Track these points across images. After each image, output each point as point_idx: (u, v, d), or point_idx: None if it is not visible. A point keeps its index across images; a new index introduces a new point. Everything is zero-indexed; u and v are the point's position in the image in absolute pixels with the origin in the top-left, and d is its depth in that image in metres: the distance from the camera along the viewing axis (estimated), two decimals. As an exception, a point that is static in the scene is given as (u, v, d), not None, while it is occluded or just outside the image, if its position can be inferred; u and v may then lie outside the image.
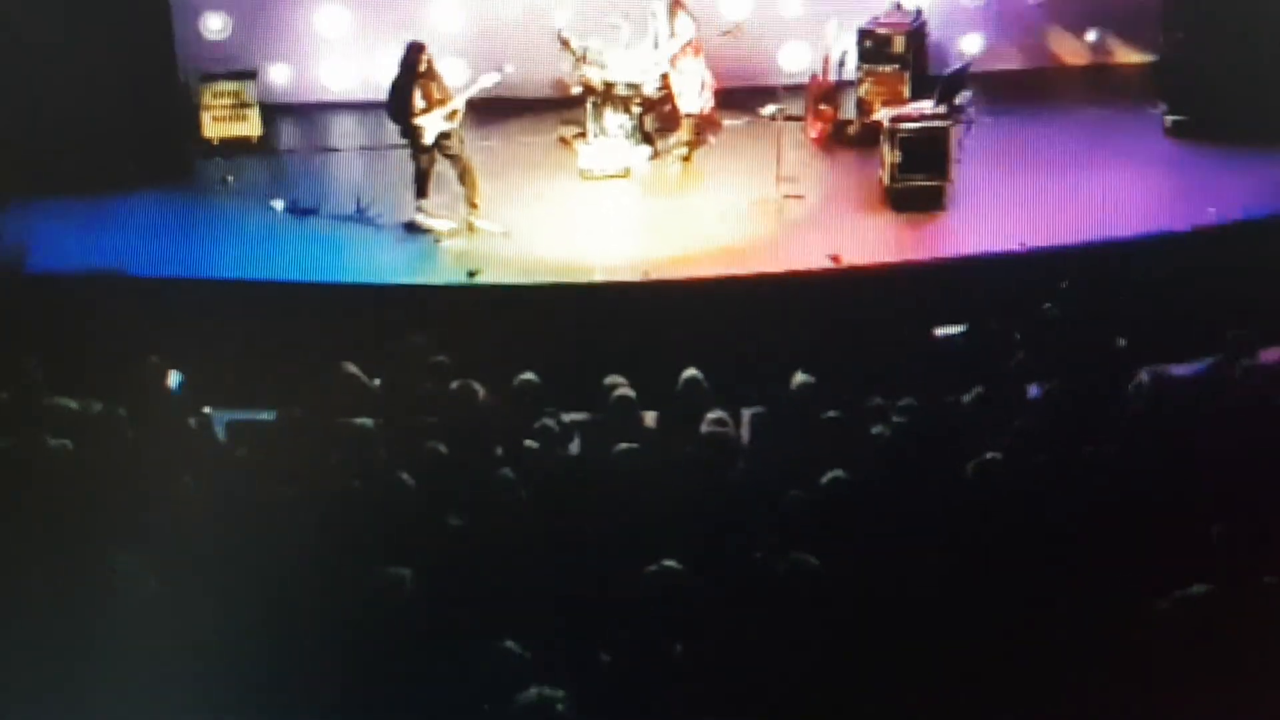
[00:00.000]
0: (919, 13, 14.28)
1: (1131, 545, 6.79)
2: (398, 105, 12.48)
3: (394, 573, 6.64)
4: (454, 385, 8.64)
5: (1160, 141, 13.65)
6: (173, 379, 9.35)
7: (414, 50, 12.51)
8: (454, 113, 12.49)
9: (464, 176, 12.67)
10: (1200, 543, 6.66)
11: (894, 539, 6.92)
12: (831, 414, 8.29)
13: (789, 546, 6.71)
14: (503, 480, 7.57)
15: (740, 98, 14.05)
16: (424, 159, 12.59)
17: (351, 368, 9.19)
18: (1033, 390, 8.81)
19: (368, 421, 8.33)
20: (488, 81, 12.69)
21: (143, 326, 10.57)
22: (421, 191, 12.68)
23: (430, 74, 12.50)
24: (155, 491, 7.75)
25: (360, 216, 12.83)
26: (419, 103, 12.41)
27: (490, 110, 13.75)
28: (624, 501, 7.44)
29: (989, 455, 7.49)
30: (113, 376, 9.32)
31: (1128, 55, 15.24)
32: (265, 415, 8.95)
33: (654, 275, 11.71)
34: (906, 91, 13.76)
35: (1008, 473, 7.43)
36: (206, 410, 9.21)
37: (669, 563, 6.52)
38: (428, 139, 12.48)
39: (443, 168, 12.70)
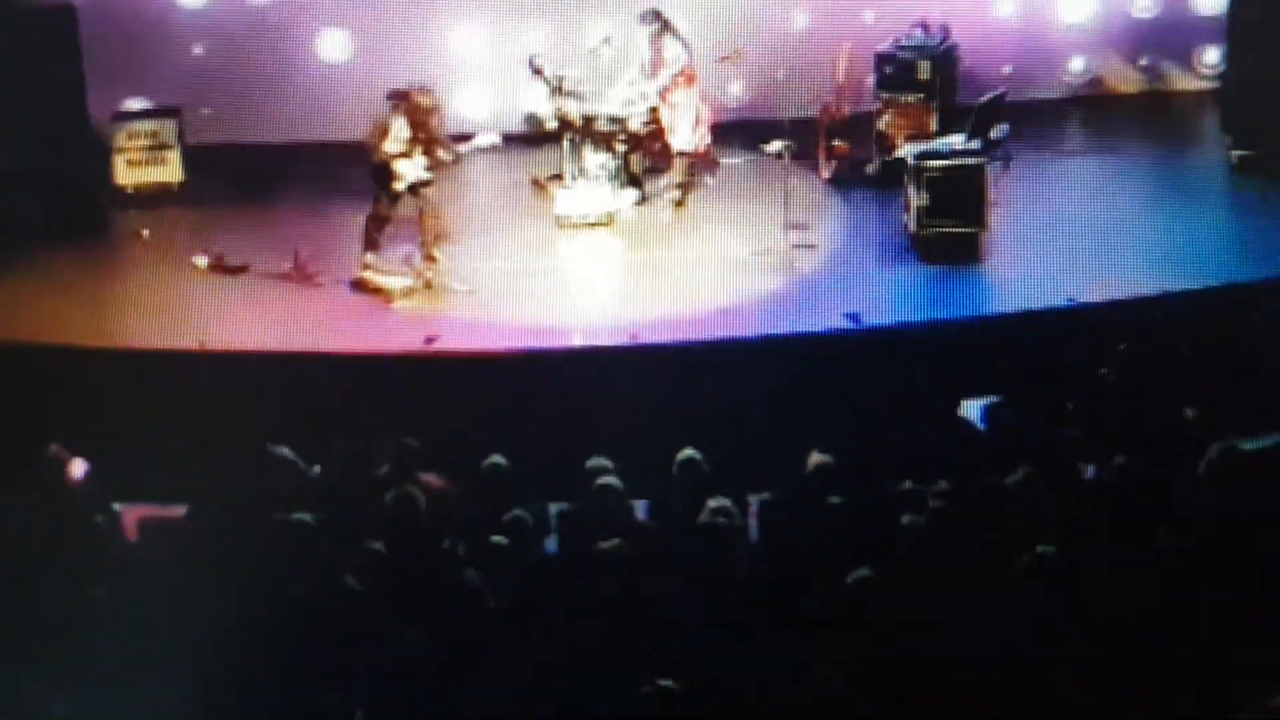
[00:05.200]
0: (947, 34, 14.33)
1: (1206, 648, 6.76)
2: (379, 141, 12.51)
3: (340, 697, 6.53)
4: (390, 495, 8.56)
5: (1226, 180, 13.72)
6: (77, 468, 9.23)
7: (418, 94, 12.55)
8: (437, 163, 12.55)
9: (430, 225, 12.65)
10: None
11: (931, 649, 6.83)
12: (854, 501, 8.21)
13: (809, 659, 6.62)
14: (467, 584, 7.47)
15: (741, 133, 14.07)
16: (386, 206, 12.58)
17: (286, 452, 9.09)
18: (1089, 471, 8.74)
19: (306, 516, 8.23)
20: (485, 142, 12.85)
21: (43, 406, 10.50)
22: (372, 244, 12.65)
23: (427, 121, 12.52)
24: (57, 601, 7.63)
25: (298, 274, 12.77)
26: (399, 144, 12.43)
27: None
28: (611, 608, 7.34)
29: (1040, 549, 7.42)
30: (7, 465, 9.21)
31: (1187, 82, 15.35)
32: (185, 510, 8.84)
33: (643, 339, 11.65)
34: (933, 124, 13.80)
35: (1063, 568, 7.35)
36: (116, 506, 9.08)
37: (665, 682, 6.45)
38: (401, 185, 12.50)
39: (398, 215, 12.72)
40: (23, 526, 8.55)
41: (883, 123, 14.08)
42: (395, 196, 12.55)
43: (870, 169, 14.00)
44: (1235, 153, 13.74)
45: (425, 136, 12.53)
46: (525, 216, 13.77)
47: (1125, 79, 15.45)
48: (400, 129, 12.43)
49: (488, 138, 12.88)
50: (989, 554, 7.64)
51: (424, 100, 12.56)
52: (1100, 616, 7.03)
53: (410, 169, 12.47)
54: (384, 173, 12.50)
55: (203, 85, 14.76)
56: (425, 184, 12.56)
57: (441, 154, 12.58)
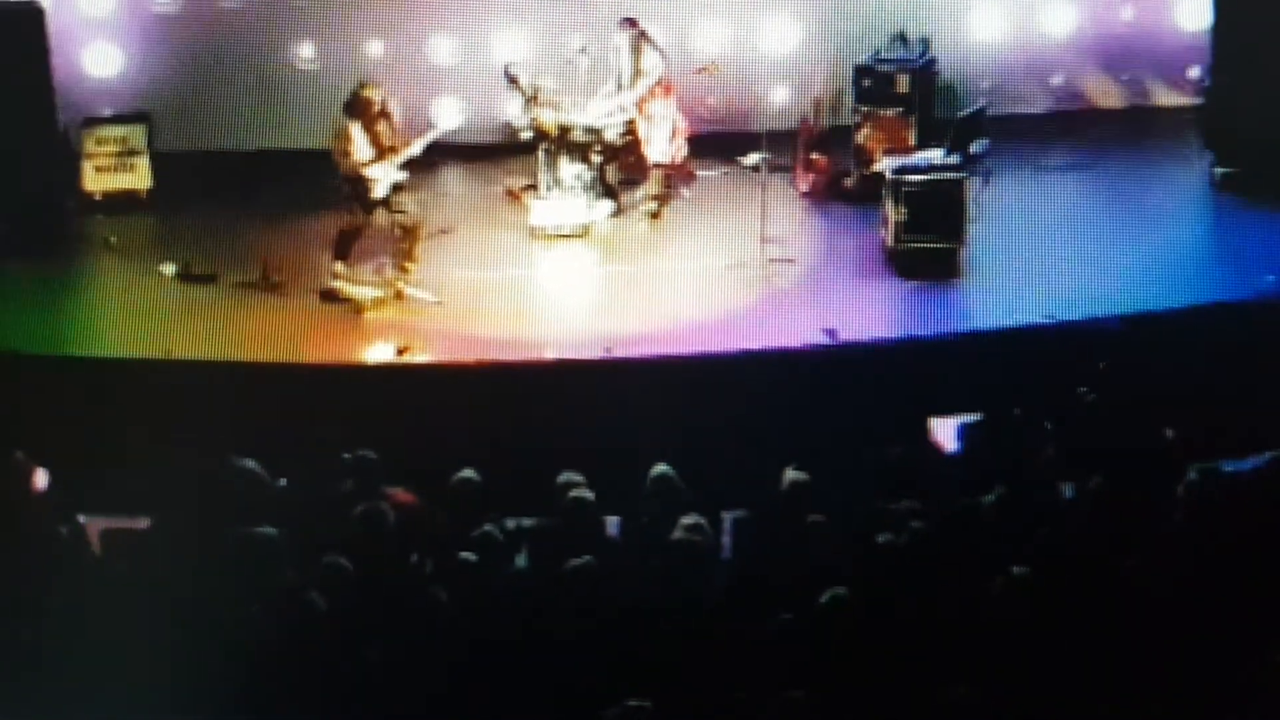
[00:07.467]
0: (926, 47, 14.36)
1: (1182, 676, 6.79)
2: (347, 152, 12.44)
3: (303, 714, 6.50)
4: (358, 509, 8.52)
5: (1209, 197, 13.76)
6: (40, 479, 9.19)
7: (365, 89, 12.51)
8: (408, 160, 12.50)
9: (407, 236, 12.63)
10: (1262, 673, 6.68)
11: (903, 670, 6.84)
12: (828, 519, 8.20)
13: (779, 681, 6.63)
14: (434, 601, 7.45)
15: (718, 145, 14.08)
16: (363, 216, 12.55)
17: (251, 464, 9.04)
18: (1066, 492, 8.74)
19: (270, 530, 8.19)
20: (450, 124, 12.69)
21: (6, 414, 10.43)
22: (343, 254, 12.63)
23: (384, 115, 12.52)
24: (18, 614, 7.60)
25: (266, 284, 12.74)
26: (368, 150, 12.39)
27: (423, 157, 13.69)
28: (580, 626, 7.32)
29: (1015, 570, 7.42)
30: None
31: (1170, 98, 15.38)
32: (149, 522, 8.79)
33: (617, 353, 11.65)
34: (912, 138, 13.82)
35: (1038, 591, 7.35)
36: (80, 517, 9.03)
37: (635, 702, 6.43)
38: (379, 192, 12.46)
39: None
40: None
41: (861, 136, 14.09)
42: (372, 206, 12.53)
43: (848, 183, 14.01)
44: (1218, 170, 13.78)
45: (387, 131, 12.46)
46: (499, 227, 13.76)
47: (1107, 94, 15.48)
48: (362, 135, 12.37)
49: (450, 119, 12.70)
50: (964, 575, 7.61)
51: (372, 95, 12.48)
52: (1073, 640, 7.02)
53: (384, 172, 12.44)
54: (359, 183, 12.46)
55: (173, 90, 14.73)
56: (400, 188, 12.51)
57: (409, 151, 12.49)
